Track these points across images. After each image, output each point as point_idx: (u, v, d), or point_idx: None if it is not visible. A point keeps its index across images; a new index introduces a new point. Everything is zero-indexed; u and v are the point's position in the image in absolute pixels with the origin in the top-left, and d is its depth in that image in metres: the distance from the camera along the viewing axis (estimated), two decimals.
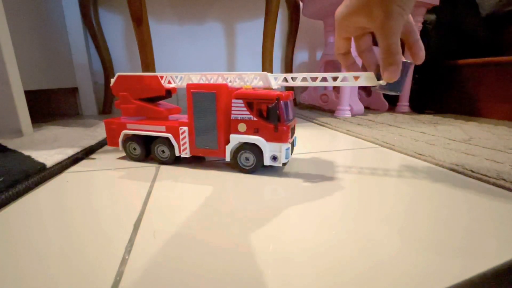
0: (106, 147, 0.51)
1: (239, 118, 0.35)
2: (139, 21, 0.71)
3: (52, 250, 0.21)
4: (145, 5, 0.71)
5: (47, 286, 0.17)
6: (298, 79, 0.35)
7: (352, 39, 0.33)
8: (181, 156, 0.39)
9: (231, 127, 0.36)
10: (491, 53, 0.85)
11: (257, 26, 1.10)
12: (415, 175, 0.36)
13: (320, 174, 0.37)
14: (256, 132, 0.35)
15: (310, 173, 0.37)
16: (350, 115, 0.85)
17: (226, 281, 0.17)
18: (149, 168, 0.39)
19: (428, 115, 0.86)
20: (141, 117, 0.42)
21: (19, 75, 0.54)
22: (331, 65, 1.00)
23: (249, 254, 0.20)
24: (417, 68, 0.93)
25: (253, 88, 0.36)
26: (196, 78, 0.38)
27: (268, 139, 0.35)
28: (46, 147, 0.46)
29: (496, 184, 0.32)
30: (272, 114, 0.34)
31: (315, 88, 1.04)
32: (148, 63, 0.76)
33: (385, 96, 0.99)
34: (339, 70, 0.90)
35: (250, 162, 0.37)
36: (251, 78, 0.36)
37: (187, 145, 0.39)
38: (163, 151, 0.41)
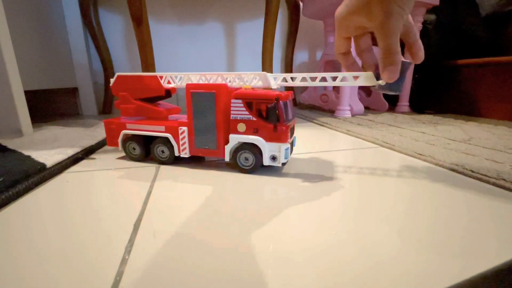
0: (106, 147, 0.51)
1: (238, 118, 0.35)
2: (139, 21, 0.71)
3: (52, 250, 0.21)
4: (145, 5, 0.71)
5: (47, 286, 0.17)
6: (298, 79, 0.35)
7: (352, 39, 0.33)
8: (181, 156, 0.39)
9: (230, 127, 0.36)
10: (491, 53, 0.85)
11: (257, 26, 1.10)
12: (415, 175, 0.36)
13: (320, 174, 0.37)
14: (255, 132, 0.35)
15: (310, 173, 0.37)
16: (350, 115, 0.85)
17: (226, 281, 0.17)
18: (149, 168, 0.39)
19: (428, 115, 0.86)
20: (141, 117, 0.42)
21: (19, 75, 0.54)
22: (331, 65, 1.00)
23: (249, 254, 0.20)
24: (417, 68, 0.93)
25: (252, 88, 0.36)
26: (196, 78, 0.38)
27: (268, 139, 0.35)
28: (46, 147, 0.46)
29: (496, 184, 0.32)
30: (271, 114, 0.34)
31: (315, 88, 1.04)
32: (148, 63, 0.76)
33: (385, 96, 0.99)
34: (339, 70, 0.90)
35: (250, 162, 0.37)
36: (250, 78, 0.36)
37: (186, 145, 0.39)
38: (162, 151, 0.41)
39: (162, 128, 0.39)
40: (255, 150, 0.36)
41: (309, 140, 0.57)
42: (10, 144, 0.47)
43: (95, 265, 0.19)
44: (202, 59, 1.12)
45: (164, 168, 0.39)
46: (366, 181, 0.34)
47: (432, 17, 0.90)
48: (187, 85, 0.37)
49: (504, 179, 0.32)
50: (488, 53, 0.86)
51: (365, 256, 0.20)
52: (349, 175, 0.36)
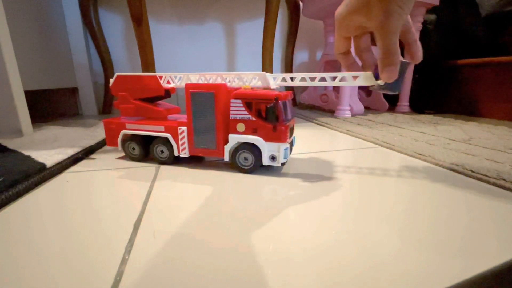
0: (106, 147, 0.50)
1: (237, 118, 0.35)
2: (139, 21, 0.71)
3: (52, 250, 0.21)
4: (145, 5, 0.71)
5: (47, 286, 0.17)
6: (297, 79, 0.35)
7: (352, 38, 0.33)
8: (180, 156, 0.39)
9: (229, 127, 0.36)
10: (491, 53, 0.85)
11: (257, 26, 1.10)
12: (415, 175, 0.36)
13: (319, 174, 0.37)
14: (254, 132, 0.35)
15: (309, 173, 0.37)
16: (350, 115, 0.85)
17: (226, 281, 0.17)
18: (149, 168, 0.39)
19: (428, 115, 0.86)
20: (140, 117, 0.42)
21: (19, 75, 0.54)
22: (331, 65, 1.00)
23: (249, 254, 0.20)
24: (417, 68, 0.93)
25: (251, 88, 0.36)
26: (195, 78, 0.38)
27: (267, 139, 0.35)
28: (46, 147, 0.46)
29: (496, 184, 0.32)
30: (270, 114, 0.34)
31: (315, 88, 1.04)
32: (148, 63, 0.76)
33: (385, 96, 0.99)
34: (339, 70, 0.90)
35: (249, 162, 0.37)
36: (249, 78, 0.36)
37: (186, 145, 0.39)
38: (162, 151, 0.41)
39: (162, 128, 0.39)
40: (255, 150, 0.36)
41: (309, 140, 0.57)
42: (10, 144, 0.47)
43: (95, 265, 0.19)
44: (202, 59, 1.12)
45: (164, 168, 0.39)
46: (366, 181, 0.34)
47: (432, 17, 0.90)
48: (187, 85, 0.37)
49: (504, 179, 0.32)
50: (488, 53, 0.86)
51: (365, 256, 0.20)
52: (349, 175, 0.36)
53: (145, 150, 0.42)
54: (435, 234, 0.22)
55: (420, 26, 0.86)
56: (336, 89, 0.99)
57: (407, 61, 0.29)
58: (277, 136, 0.35)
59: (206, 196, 0.30)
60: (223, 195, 0.31)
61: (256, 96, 0.34)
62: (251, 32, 1.13)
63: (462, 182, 0.33)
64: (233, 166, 0.38)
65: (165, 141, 0.40)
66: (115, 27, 1.02)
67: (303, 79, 0.35)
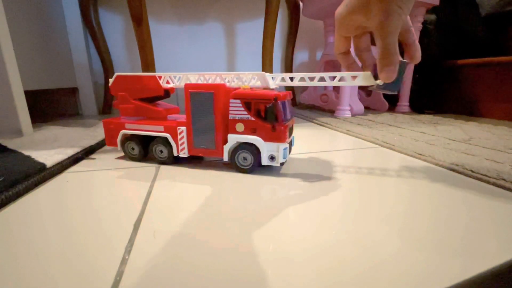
0: (106, 147, 0.50)
1: (237, 118, 0.35)
2: (139, 21, 0.71)
3: (52, 250, 0.21)
4: (145, 5, 0.71)
5: (47, 286, 0.17)
6: (296, 79, 0.35)
7: (352, 38, 0.33)
8: (179, 156, 0.39)
9: (229, 127, 0.36)
10: (491, 53, 0.85)
11: (257, 26, 1.10)
12: (415, 175, 0.36)
13: (319, 174, 0.37)
14: (254, 132, 0.35)
15: (309, 173, 0.37)
16: (350, 115, 0.85)
17: (226, 281, 0.17)
18: (149, 168, 0.39)
19: (428, 115, 0.86)
20: (140, 117, 0.42)
21: (19, 75, 0.54)
22: (331, 65, 1.00)
23: (249, 254, 0.20)
24: (417, 68, 0.93)
25: (251, 88, 0.36)
26: (194, 78, 0.38)
27: (266, 139, 0.35)
28: (46, 147, 0.46)
29: (496, 184, 0.32)
30: (269, 114, 0.34)
31: (315, 88, 1.04)
32: (148, 63, 0.76)
33: (385, 96, 0.99)
34: (339, 70, 0.90)
35: (248, 162, 0.37)
36: (249, 78, 0.36)
37: (185, 145, 0.39)
38: (161, 151, 0.41)
39: (161, 128, 0.39)
40: (254, 150, 0.36)
41: (309, 140, 0.57)
42: (10, 144, 0.47)
43: (95, 265, 0.19)
44: (202, 59, 1.12)
45: (164, 168, 0.39)
46: (366, 181, 0.34)
47: (432, 17, 0.90)
48: (186, 85, 0.37)
49: (504, 179, 0.32)
50: (488, 53, 0.86)
51: (365, 256, 0.20)
52: (349, 175, 0.36)
53: (145, 150, 0.42)
54: (435, 234, 0.22)
55: (420, 26, 0.86)
56: (336, 89, 0.99)
57: (406, 61, 0.29)
58: (276, 136, 0.35)
59: (206, 196, 0.30)
60: (223, 195, 0.31)
61: (255, 96, 0.34)
62: (251, 32, 1.13)
63: (462, 182, 0.33)
64: (232, 166, 0.38)
65: (165, 141, 0.40)
66: (115, 27, 1.02)
67: (302, 79, 0.35)
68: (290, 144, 0.39)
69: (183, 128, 0.38)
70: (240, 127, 0.36)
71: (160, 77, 0.39)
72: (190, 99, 0.36)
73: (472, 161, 0.38)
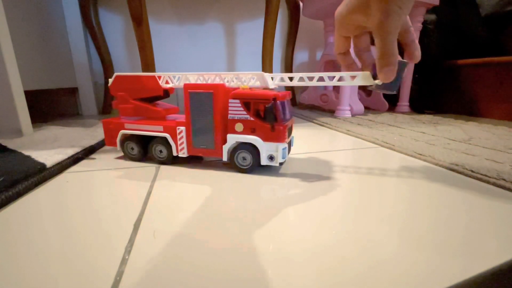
0: (106, 147, 0.51)
1: (236, 118, 0.35)
2: (139, 21, 0.71)
3: (52, 250, 0.21)
4: (145, 5, 0.71)
5: (47, 286, 0.17)
6: (295, 78, 0.35)
7: (351, 38, 0.33)
8: (179, 156, 0.40)
9: (228, 127, 0.36)
10: (491, 53, 0.85)
11: (257, 26, 1.10)
12: (415, 175, 0.36)
13: (319, 174, 0.37)
14: (253, 131, 0.35)
15: (309, 173, 0.37)
16: (350, 115, 0.85)
17: (226, 281, 0.17)
18: (149, 168, 0.40)
19: (428, 115, 0.86)
20: (140, 117, 0.42)
21: (19, 75, 0.54)
22: (331, 65, 1.00)
23: (249, 254, 0.20)
24: (417, 68, 0.93)
25: (250, 88, 0.36)
26: (194, 78, 0.38)
27: (265, 138, 0.35)
28: (46, 147, 0.46)
29: (496, 184, 0.32)
30: (268, 114, 0.34)
31: (315, 88, 1.04)
32: (148, 63, 0.76)
33: (385, 96, 0.99)
34: (339, 70, 0.90)
35: (247, 162, 0.37)
36: (248, 78, 0.36)
37: (184, 145, 0.39)
38: (160, 151, 0.41)
39: (160, 128, 0.39)
40: (253, 149, 0.36)
41: (308, 140, 0.57)
42: (10, 144, 0.47)
43: (95, 265, 0.19)
44: (202, 59, 1.12)
45: (164, 168, 0.39)
46: (366, 181, 0.34)
47: (432, 17, 0.90)
48: (185, 85, 0.37)
49: (504, 179, 0.32)
50: (488, 53, 0.86)
51: (365, 256, 0.20)
52: (349, 175, 0.36)
53: (144, 150, 0.42)
54: (435, 234, 0.22)
55: (420, 26, 0.86)
56: (336, 89, 0.99)
57: (405, 61, 0.29)
58: (275, 136, 0.35)
59: (205, 196, 0.30)
60: (223, 195, 0.31)
61: (254, 96, 0.34)
62: (251, 32, 1.13)
63: (462, 182, 0.33)
64: (231, 166, 0.38)
65: (164, 141, 0.40)
66: (115, 27, 1.02)
67: (301, 79, 0.35)
68: (289, 144, 0.39)
69: (183, 128, 0.38)
70: (239, 127, 0.36)
71: (159, 77, 0.39)
72: (189, 99, 0.37)
73: (472, 161, 0.38)
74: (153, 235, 0.22)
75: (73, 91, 0.98)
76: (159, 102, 0.44)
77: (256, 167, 0.37)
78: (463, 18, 0.91)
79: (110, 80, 0.41)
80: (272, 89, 0.36)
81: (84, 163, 0.42)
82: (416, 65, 0.91)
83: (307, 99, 1.09)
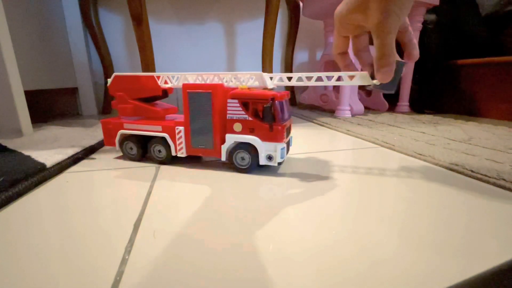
0: (106, 147, 0.51)
1: (234, 118, 0.36)
2: (139, 20, 0.71)
3: (52, 250, 0.21)
4: (145, 5, 0.71)
5: (47, 286, 0.17)
6: (294, 78, 0.35)
7: (351, 38, 0.33)
8: (178, 155, 0.40)
9: (226, 126, 0.36)
10: (491, 53, 0.85)
11: (257, 26, 1.10)
12: (415, 175, 0.36)
13: (319, 174, 0.37)
14: (251, 131, 0.35)
15: (309, 173, 0.37)
16: (350, 115, 0.85)
17: (226, 280, 0.17)
18: (149, 168, 0.40)
19: (428, 115, 0.86)
20: (139, 117, 0.42)
21: (19, 75, 0.54)
22: (331, 65, 1.00)
23: (248, 253, 0.20)
24: (417, 68, 0.93)
25: (248, 88, 0.36)
26: (192, 78, 0.38)
27: (264, 138, 0.35)
28: (46, 147, 0.46)
29: (496, 184, 0.32)
30: (267, 114, 0.34)
31: (315, 88, 1.04)
32: (148, 63, 0.76)
33: (385, 96, 0.99)
34: (339, 71, 0.90)
35: (246, 162, 0.37)
36: (246, 78, 0.36)
37: (183, 144, 0.39)
38: (159, 151, 0.41)
39: (159, 128, 0.39)
40: (251, 149, 0.36)
41: (309, 140, 0.57)
42: (10, 144, 0.47)
43: (95, 265, 0.19)
44: (202, 59, 1.12)
45: (164, 168, 0.39)
46: (365, 181, 0.34)
47: (432, 17, 0.90)
48: (184, 85, 0.37)
49: (504, 179, 0.32)
50: (488, 53, 0.86)
51: (365, 256, 0.20)
52: (349, 175, 0.36)
53: (143, 150, 0.42)
54: (435, 234, 0.22)
55: (420, 26, 0.86)
56: (336, 89, 0.99)
57: (403, 61, 0.29)
58: (274, 136, 0.35)
59: (205, 196, 0.30)
60: (222, 195, 0.31)
61: (252, 96, 0.34)
62: (251, 32, 1.13)
63: (462, 182, 0.33)
64: (230, 165, 0.38)
65: (163, 141, 0.40)
66: (115, 27, 1.02)
67: (299, 79, 0.35)
68: (288, 144, 0.40)
69: (181, 128, 0.38)
70: (238, 127, 0.36)
71: (158, 77, 0.39)
72: (188, 99, 0.37)
73: (472, 161, 0.38)
74: (153, 235, 0.22)
75: (73, 91, 0.98)
76: (158, 102, 0.44)
77: (254, 167, 0.37)
78: (463, 18, 0.91)
79: (109, 80, 0.41)
80: (271, 89, 0.36)
81: (84, 163, 0.42)
82: (416, 65, 0.91)
83: (307, 99, 1.09)
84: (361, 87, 1.00)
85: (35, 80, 0.71)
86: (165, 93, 0.42)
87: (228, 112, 0.36)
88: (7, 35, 0.51)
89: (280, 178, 0.36)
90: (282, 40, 1.20)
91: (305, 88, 1.15)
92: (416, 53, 0.30)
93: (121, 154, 0.45)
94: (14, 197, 0.29)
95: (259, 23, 1.02)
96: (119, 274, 0.18)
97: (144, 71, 0.76)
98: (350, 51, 0.34)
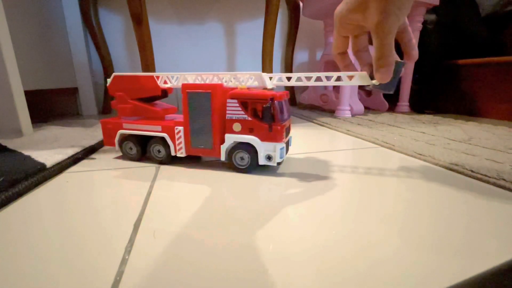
0: (106, 147, 0.51)
1: (234, 118, 0.36)
2: (139, 20, 0.71)
3: (52, 250, 0.21)
4: (145, 5, 0.71)
5: (47, 286, 0.17)
6: (293, 78, 0.35)
7: (350, 38, 0.33)
8: (177, 155, 0.40)
9: (226, 126, 0.36)
10: (491, 53, 0.85)
11: (257, 26, 1.10)
12: (414, 175, 0.36)
13: (319, 174, 0.37)
14: (251, 131, 0.35)
15: (308, 173, 0.37)
16: (350, 115, 0.85)
17: (226, 280, 0.17)
18: (149, 168, 0.40)
19: (428, 115, 0.86)
20: (138, 117, 0.42)
21: (19, 75, 0.54)
22: (331, 65, 1.00)
23: (249, 253, 0.20)
24: (417, 68, 0.93)
25: (248, 88, 0.36)
26: (192, 78, 0.38)
27: (263, 138, 0.35)
28: (46, 147, 0.46)
29: (496, 184, 0.32)
30: (266, 114, 0.34)
31: (315, 88, 1.04)
32: (148, 63, 0.76)
33: (385, 96, 0.99)
34: (339, 71, 0.90)
35: (245, 162, 0.37)
36: (246, 78, 0.36)
37: (182, 144, 0.39)
38: (159, 151, 0.41)
39: (159, 128, 0.39)
40: (251, 149, 0.36)
41: (309, 140, 0.57)
42: (10, 144, 0.47)
43: (95, 265, 0.19)
44: (202, 59, 1.12)
45: (164, 168, 0.39)
46: (365, 181, 0.34)
47: (432, 17, 0.90)
48: (183, 85, 0.37)
49: (504, 179, 0.32)
50: (488, 53, 0.86)
51: (365, 256, 0.20)
52: (349, 175, 0.36)
53: (142, 149, 0.42)
54: (435, 234, 0.22)
55: (420, 26, 0.86)
56: (336, 89, 0.99)
57: (402, 61, 0.29)
58: (273, 136, 0.35)
59: (205, 196, 0.30)
60: (222, 195, 0.31)
61: (252, 96, 0.34)
62: (251, 32, 1.13)
63: (462, 182, 0.33)
64: (230, 165, 0.38)
65: (162, 141, 0.40)
66: (115, 27, 1.02)
67: (299, 79, 0.35)
68: (287, 144, 0.40)
69: (181, 128, 0.38)
70: (237, 127, 0.36)
71: (157, 77, 0.39)
72: (187, 99, 0.37)
73: (472, 161, 0.38)
74: (153, 235, 0.22)
75: (73, 91, 0.98)
76: (157, 102, 0.44)
77: (254, 167, 0.37)
78: (463, 18, 0.91)
79: (109, 80, 0.41)
80: (270, 89, 0.36)
81: (84, 163, 0.42)
82: (416, 65, 0.91)
83: (307, 99, 1.09)
84: (361, 87, 1.00)
85: (35, 80, 0.71)
86: (165, 93, 0.42)
87: (228, 112, 0.36)
88: (7, 35, 0.51)
89: (280, 178, 0.36)
90: (282, 40, 1.20)
91: (305, 88, 1.15)
92: (415, 53, 0.30)
93: (121, 154, 0.45)
94: (14, 197, 0.29)
95: (259, 23, 1.02)
96: (119, 274, 0.18)
97: (144, 71, 0.76)
98: (350, 51, 0.34)
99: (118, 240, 0.22)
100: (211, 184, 0.34)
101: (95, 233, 0.23)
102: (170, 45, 1.07)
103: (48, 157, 0.39)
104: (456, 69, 0.92)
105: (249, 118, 0.35)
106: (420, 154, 0.43)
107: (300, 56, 1.25)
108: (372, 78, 0.30)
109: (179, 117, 0.42)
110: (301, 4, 1.05)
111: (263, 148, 0.35)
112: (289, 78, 0.35)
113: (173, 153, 0.40)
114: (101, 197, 0.30)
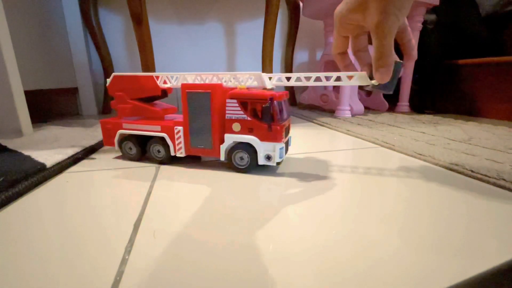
0: (106, 147, 0.51)
1: (233, 118, 0.36)
2: (139, 20, 0.71)
3: (52, 250, 0.21)
4: (145, 5, 0.71)
5: (47, 286, 0.17)
6: (292, 79, 0.35)
7: (350, 38, 0.33)
8: (177, 155, 0.40)
9: (225, 126, 0.36)
10: (491, 53, 0.85)
11: (257, 26, 1.10)
12: (414, 175, 0.36)
13: (318, 174, 0.37)
14: (250, 131, 0.35)
15: (308, 173, 0.37)
16: (350, 115, 0.85)
17: (226, 280, 0.17)
18: (149, 168, 0.40)
19: (428, 115, 0.86)
20: (137, 117, 0.42)
21: (19, 75, 0.54)
22: (331, 65, 1.00)
23: (248, 253, 0.20)
24: (417, 68, 0.93)
25: (247, 88, 0.36)
26: (191, 78, 0.38)
27: (262, 138, 0.35)
28: (46, 147, 0.46)
29: (496, 184, 0.32)
30: (265, 114, 0.34)
31: (315, 88, 1.04)
32: (148, 63, 0.76)
33: (385, 96, 0.99)
34: (339, 71, 0.90)
35: (245, 162, 0.37)
36: (245, 78, 0.36)
37: (182, 144, 0.39)
38: (158, 151, 0.41)
39: (158, 127, 0.39)
40: (250, 149, 0.36)
41: (308, 140, 0.57)
42: (10, 144, 0.47)
43: (95, 265, 0.19)
44: (202, 59, 1.12)
45: (164, 168, 0.39)
46: (365, 181, 0.34)
47: (432, 17, 0.90)
48: (183, 85, 0.37)
49: (504, 179, 0.32)
50: (488, 53, 0.86)
51: (365, 256, 0.20)
52: (349, 175, 0.36)
53: (142, 149, 0.42)
54: (435, 234, 0.22)
55: (420, 26, 0.86)
56: (336, 89, 0.99)
57: (401, 61, 0.29)
58: (272, 136, 0.35)
59: (205, 196, 0.30)
60: (222, 195, 0.31)
61: (251, 96, 0.34)
62: (251, 32, 1.13)
63: (462, 182, 0.33)
64: (229, 165, 0.38)
65: (162, 141, 0.40)
66: (115, 27, 1.02)
67: (298, 79, 0.35)
68: (287, 143, 0.40)
69: (180, 128, 0.38)
70: (236, 127, 0.36)
71: (157, 77, 0.39)
72: (187, 99, 0.37)
73: (472, 161, 0.38)
74: (153, 235, 0.22)
75: (73, 91, 0.98)
76: (157, 102, 0.44)
77: (253, 167, 0.37)
78: (463, 18, 0.91)
79: (108, 80, 0.41)
80: (270, 89, 0.36)
81: (84, 163, 0.42)
82: (416, 65, 0.91)
83: (307, 99, 1.09)
84: (361, 87, 1.00)
85: (35, 80, 0.71)
86: (165, 93, 0.42)
87: (227, 112, 0.36)
88: (7, 35, 0.51)
89: (279, 178, 0.36)
90: (282, 40, 1.20)
91: (305, 88, 1.15)
92: (414, 53, 0.30)
93: (120, 154, 0.45)
94: (14, 197, 0.29)
95: (259, 23, 1.02)
96: (119, 274, 0.18)
97: (144, 71, 0.76)
98: (350, 51, 0.34)
99: (118, 240, 0.22)
100: (210, 184, 0.34)
101: (95, 233, 0.23)
102: (170, 45, 1.07)
103: (48, 157, 0.39)
104: (456, 69, 0.92)
105: (249, 118, 0.35)
106: (420, 154, 0.43)
107: (300, 56, 1.25)
108: (371, 78, 0.30)
109: (179, 117, 0.42)
110: (301, 4, 1.05)
111: (263, 148, 0.35)
112: (288, 78, 0.35)
113: (172, 153, 0.40)
114: (101, 197, 0.30)
